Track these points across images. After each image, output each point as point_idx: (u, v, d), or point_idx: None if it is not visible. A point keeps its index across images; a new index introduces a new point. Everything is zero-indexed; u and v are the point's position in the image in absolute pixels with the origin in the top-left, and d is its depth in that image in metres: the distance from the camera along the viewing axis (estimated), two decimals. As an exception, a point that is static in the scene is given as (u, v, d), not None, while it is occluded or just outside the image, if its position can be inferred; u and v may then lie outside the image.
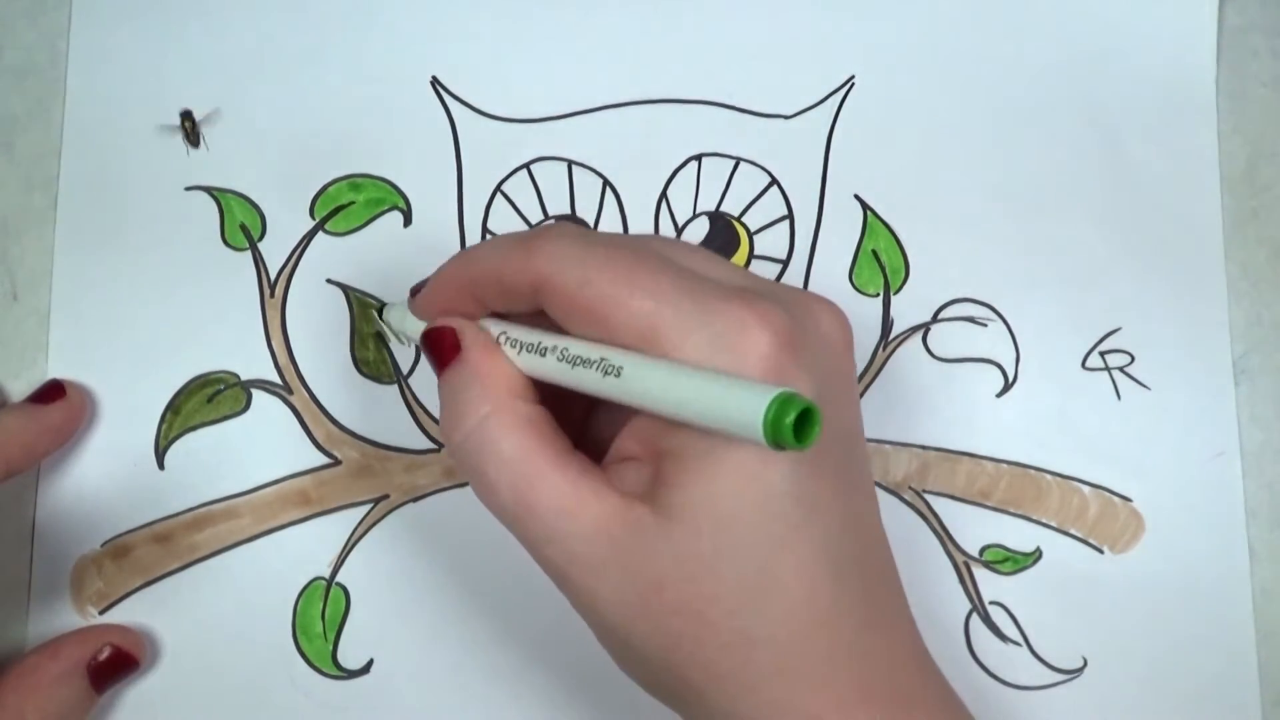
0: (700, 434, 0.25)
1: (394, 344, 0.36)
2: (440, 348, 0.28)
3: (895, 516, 0.36)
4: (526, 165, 0.37)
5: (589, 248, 0.26)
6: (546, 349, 0.27)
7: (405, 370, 0.36)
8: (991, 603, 0.35)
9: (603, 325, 0.25)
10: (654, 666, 0.26)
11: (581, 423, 0.30)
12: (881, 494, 0.36)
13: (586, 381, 0.26)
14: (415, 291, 0.30)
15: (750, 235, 0.37)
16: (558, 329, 0.27)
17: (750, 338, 0.24)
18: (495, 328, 0.28)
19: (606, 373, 0.25)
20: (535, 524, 0.26)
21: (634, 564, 0.25)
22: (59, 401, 0.34)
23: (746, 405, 0.22)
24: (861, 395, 0.36)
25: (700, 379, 0.23)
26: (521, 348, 0.27)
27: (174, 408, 0.35)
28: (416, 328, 0.30)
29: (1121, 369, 0.36)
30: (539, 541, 0.26)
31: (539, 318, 0.28)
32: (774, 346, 0.24)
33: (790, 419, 0.22)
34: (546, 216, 0.36)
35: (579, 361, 0.26)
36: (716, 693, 0.25)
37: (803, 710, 0.25)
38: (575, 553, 0.25)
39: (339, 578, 0.35)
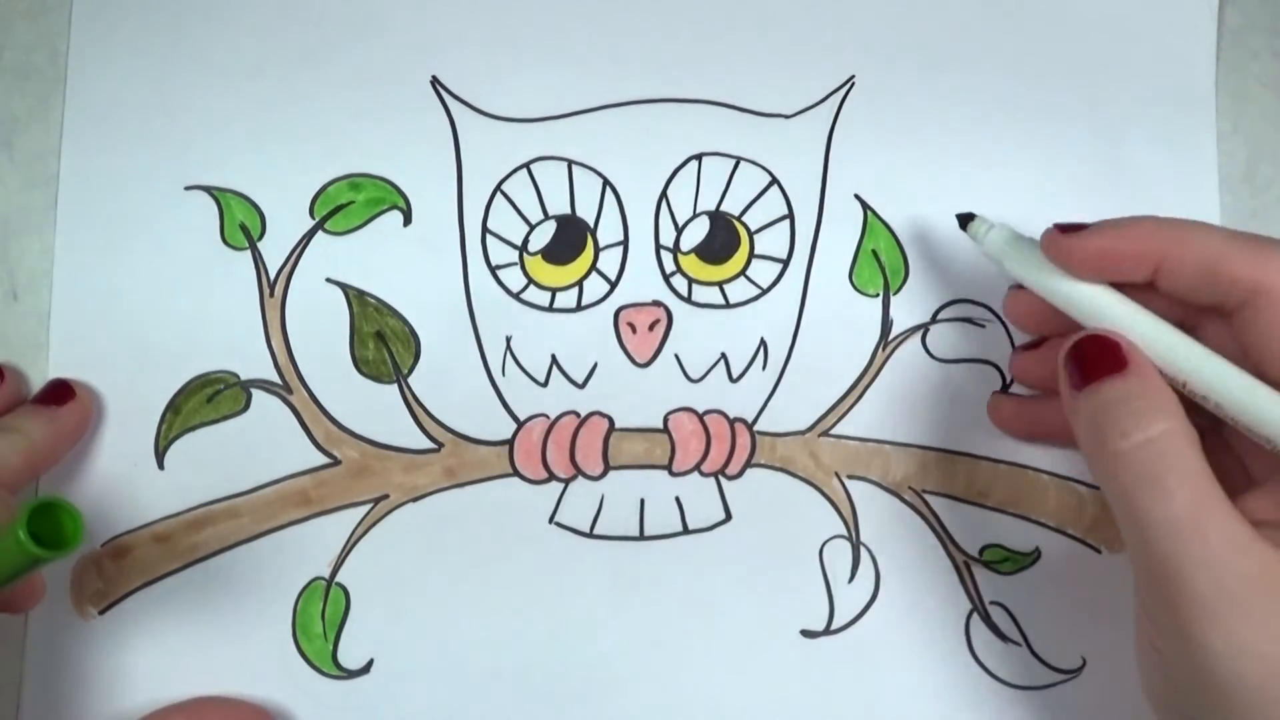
0: None
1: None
2: (1103, 357, 0.28)
3: (895, 516, 0.36)
4: (526, 165, 0.37)
5: None
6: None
7: (405, 370, 0.36)
8: (992, 603, 0.35)
9: None
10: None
11: None
12: (881, 494, 0.36)
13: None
14: (1065, 229, 0.30)
15: (750, 235, 0.37)
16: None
17: None
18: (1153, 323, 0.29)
19: None
20: (1198, 544, 0.25)
21: None
22: (71, 403, 0.34)
23: None
24: (861, 395, 0.36)
25: None
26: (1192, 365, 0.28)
27: (174, 408, 0.35)
28: (1035, 267, 0.30)
29: (1121, 369, 0.36)
30: (1194, 562, 0.25)
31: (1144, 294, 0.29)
32: None
33: None
34: (546, 216, 0.36)
35: None
36: None
37: None
38: (1229, 587, 0.25)
39: (339, 578, 0.35)
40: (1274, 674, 0.25)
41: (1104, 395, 0.28)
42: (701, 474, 0.36)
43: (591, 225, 0.36)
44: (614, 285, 0.36)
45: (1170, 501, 0.26)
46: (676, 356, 0.36)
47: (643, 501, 0.36)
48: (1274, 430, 0.27)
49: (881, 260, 0.37)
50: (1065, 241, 0.30)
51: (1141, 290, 0.30)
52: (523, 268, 0.36)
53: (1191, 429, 0.27)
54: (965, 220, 0.33)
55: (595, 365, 0.36)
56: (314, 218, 0.36)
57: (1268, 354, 0.28)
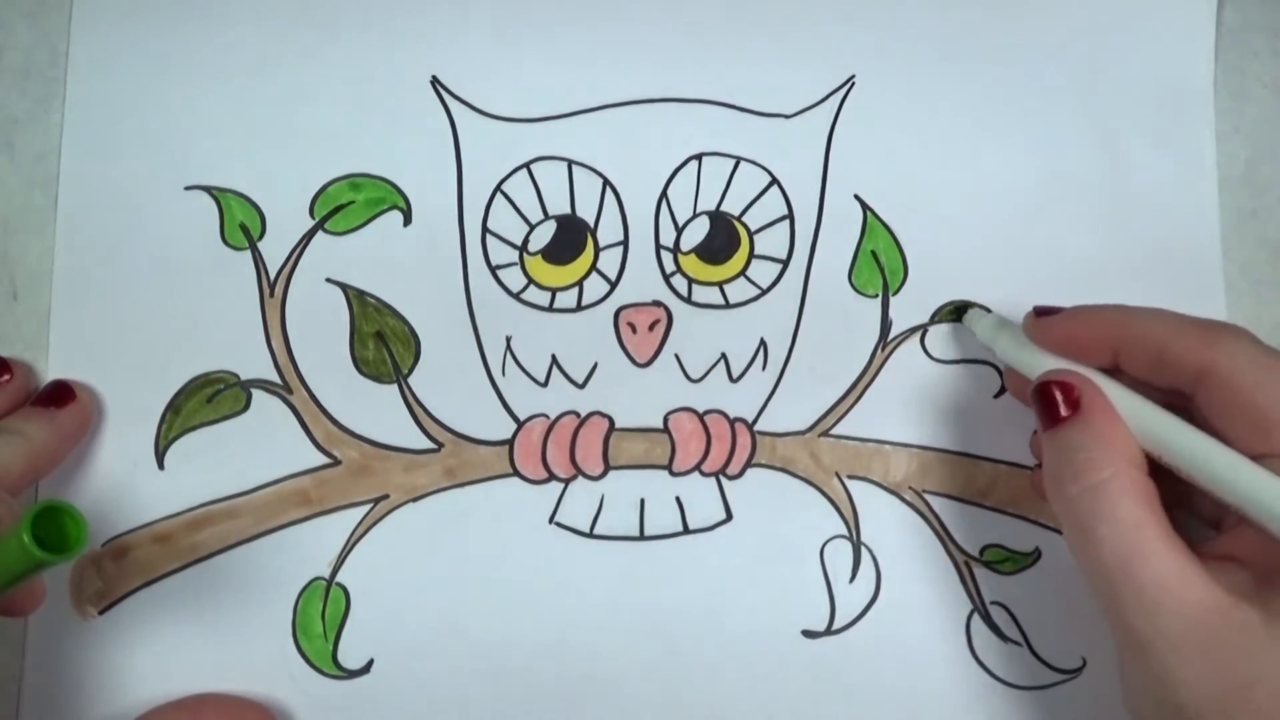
0: None
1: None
2: (1062, 399, 0.30)
3: (895, 516, 0.36)
4: (526, 165, 0.37)
5: (1273, 356, 0.28)
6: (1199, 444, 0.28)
7: (405, 370, 0.36)
8: (992, 603, 0.35)
9: (1266, 435, 0.27)
10: None
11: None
12: (882, 494, 0.36)
13: (1224, 486, 0.27)
14: (1041, 313, 0.32)
15: (750, 235, 0.37)
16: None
17: None
18: (1119, 391, 0.30)
19: None
20: (1131, 591, 0.27)
21: (1228, 658, 0.26)
22: (72, 405, 0.34)
23: None
24: (860, 396, 0.36)
25: None
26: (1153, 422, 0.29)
27: (174, 408, 0.35)
28: (1017, 348, 0.32)
29: (1121, 369, 0.37)
30: (1130, 609, 0.27)
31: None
32: None
33: None
34: (546, 216, 0.36)
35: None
36: None
37: None
38: (1166, 630, 0.26)
39: (339, 578, 0.35)
40: (1213, 705, 0.26)
41: (1060, 441, 0.29)
42: (702, 474, 0.36)
43: (591, 225, 0.36)
44: (614, 285, 0.36)
45: (1100, 548, 0.27)
46: (676, 356, 0.36)
47: (643, 501, 0.36)
48: (1232, 494, 0.28)
49: (881, 261, 0.37)
50: (1039, 325, 0.32)
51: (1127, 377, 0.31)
52: (523, 268, 0.36)
53: (1138, 474, 0.28)
54: (962, 310, 0.36)
55: (595, 365, 0.36)
56: (314, 218, 0.36)
57: (1223, 434, 0.28)
